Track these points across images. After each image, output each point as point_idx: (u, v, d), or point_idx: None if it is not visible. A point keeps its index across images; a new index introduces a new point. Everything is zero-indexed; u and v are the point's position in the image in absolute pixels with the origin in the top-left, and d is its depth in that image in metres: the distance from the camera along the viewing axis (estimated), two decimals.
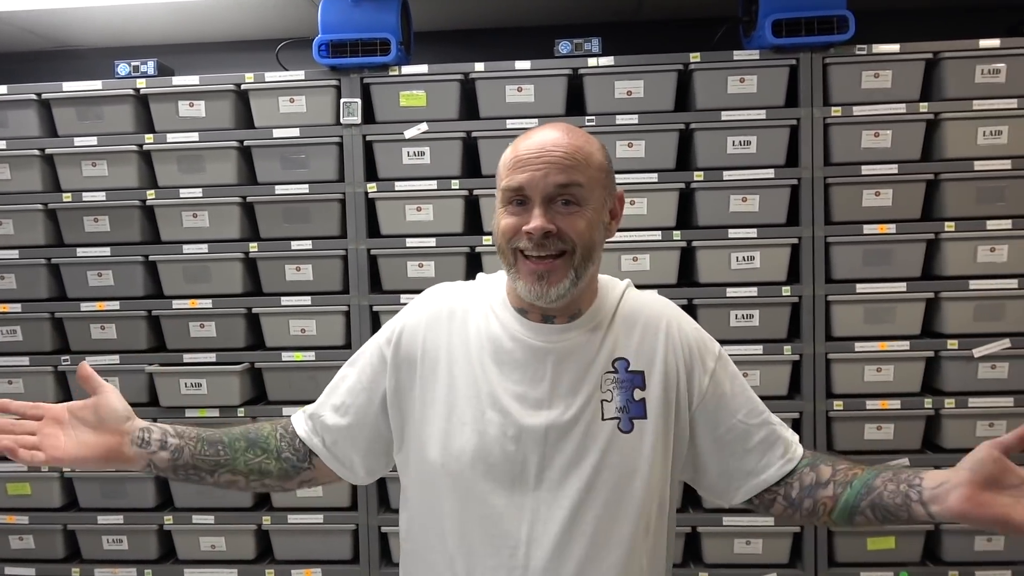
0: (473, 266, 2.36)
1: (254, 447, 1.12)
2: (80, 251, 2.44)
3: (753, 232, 2.30)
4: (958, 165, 2.27)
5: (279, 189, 2.39)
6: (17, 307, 2.47)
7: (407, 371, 1.10)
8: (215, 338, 2.44)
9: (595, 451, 1.04)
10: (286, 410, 2.40)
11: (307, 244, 2.39)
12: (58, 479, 2.48)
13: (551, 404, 1.05)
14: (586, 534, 1.03)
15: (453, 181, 2.34)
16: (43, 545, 2.51)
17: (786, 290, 2.31)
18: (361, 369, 1.14)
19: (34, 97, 2.43)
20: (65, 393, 2.50)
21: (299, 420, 1.16)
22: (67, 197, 2.43)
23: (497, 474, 1.05)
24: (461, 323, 1.11)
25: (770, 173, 2.29)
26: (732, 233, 2.31)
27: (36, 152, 2.43)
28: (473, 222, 2.41)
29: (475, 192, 2.34)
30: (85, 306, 2.44)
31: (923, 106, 2.26)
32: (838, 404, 2.31)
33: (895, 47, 2.25)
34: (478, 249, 2.34)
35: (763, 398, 2.24)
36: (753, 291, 2.31)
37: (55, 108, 2.44)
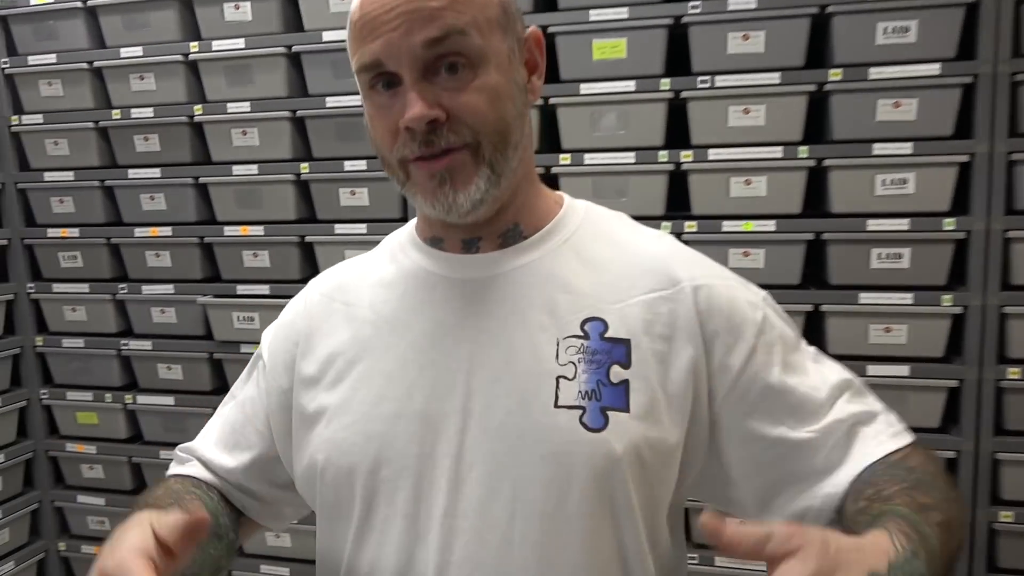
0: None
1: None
2: (132, 172, 2.28)
3: (907, 147, 1.77)
4: None
5: (330, 101, 2.10)
6: (76, 232, 2.36)
7: (289, 374, 0.82)
8: (269, 268, 2.23)
9: (536, 457, 0.68)
10: None
11: (362, 165, 2.10)
12: (122, 410, 2.41)
13: (471, 378, 0.71)
14: None
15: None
16: (112, 475, 2.47)
17: (949, 223, 1.78)
18: (241, 394, 0.89)
19: (80, 4, 2.25)
20: (125, 321, 2.40)
21: None
22: (116, 114, 2.27)
23: (384, 487, 0.73)
24: (353, 296, 0.80)
25: (935, 68, 1.74)
26: (879, 149, 1.79)
27: (85, 65, 2.27)
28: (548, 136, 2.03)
29: (551, 101, 1.96)
30: (139, 231, 2.30)
31: None
32: (1013, 371, 1.78)
33: None
34: (554, 170, 1.97)
35: (911, 361, 1.81)
36: (904, 224, 1.80)
37: (101, 17, 2.25)
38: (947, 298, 1.80)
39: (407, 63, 0.66)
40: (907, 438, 0.72)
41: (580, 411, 0.68)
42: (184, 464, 0.87)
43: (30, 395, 2.47)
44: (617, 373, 0.69)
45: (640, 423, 0.69)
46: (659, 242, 0.78)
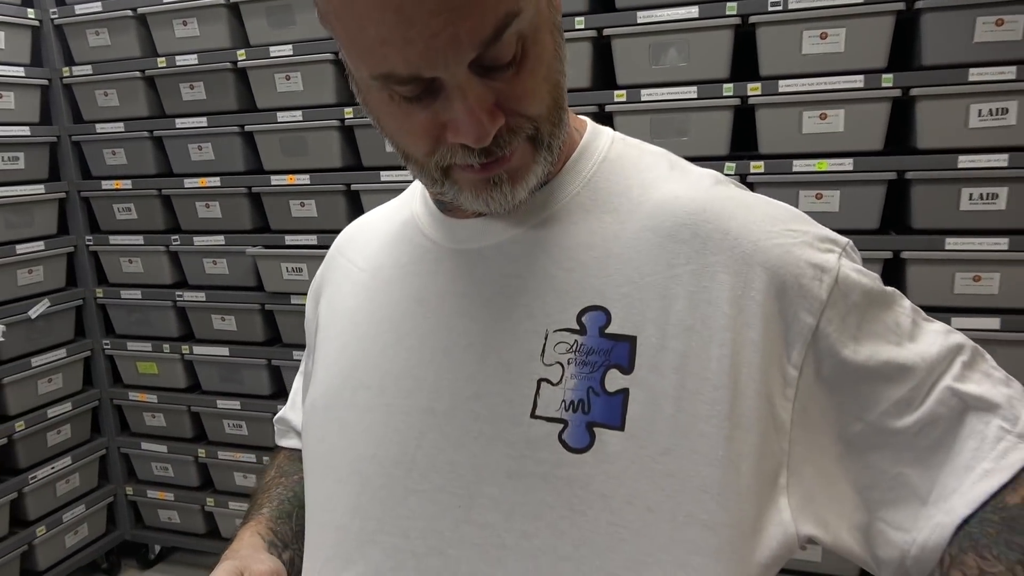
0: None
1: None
2: (179, 122, 2.26)
3: (1010, 72, 1.57)
4: None
5: None
6: (128, 184, 2.37)
7: (311, 338, 0.75)
8: (316, 218, 2.19)
9: (501, 475, 0.55)
10: None
11: None
12: (179, 360, 2.44)
13: (441, 374, 0.58)
14: None
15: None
16: (173, 424, 2.52)
17: None
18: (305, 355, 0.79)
19: None
20: (179, 273, 2.41)
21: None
22: (162, 62, 2.23)
23: (325, 487, 0.63)
24: (359, 254, 0.70)
25: None
26: (975, 74, 1.59)
27: (130, 13, 2.23)
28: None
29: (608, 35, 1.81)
30: (188, 182, 2.28)
31: None
32: None
33: None
34: (608, 108, 1.84)
35: (1003, 312, 1.64)
36: (1002, 159, 1.60)
37: None
38: None
39: (453, 68, 0.48)
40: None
41: (561, 425, 0.53)
42: (286, 437, 0.82)
43: (93, 345, 2.53)
44: (615, 379, 0.54)
45: (638, 445, 0.52)
46: (700, 189, 0.59)
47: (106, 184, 2.39)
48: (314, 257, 2.16)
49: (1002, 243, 1.64)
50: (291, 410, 0.81)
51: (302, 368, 0.81)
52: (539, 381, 0.55)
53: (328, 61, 2.07)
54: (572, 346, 0.55)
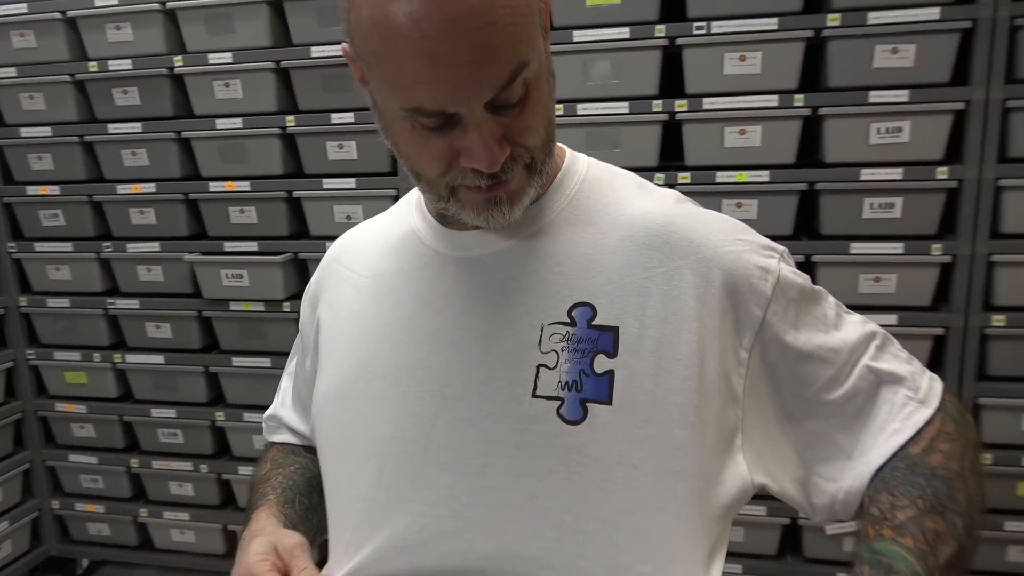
0: None
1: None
2: (112, 127, 2.22)
3: (903, 95, 1.76)
4: None
5: (315, 51, 2.04)
6: (56, 189, 2.31)
7: (312, 341, 0.82)
8: (256, 224, 2.20)
9: (510, 446, 0.64)
10: None
11: (349, 117, 2.06)
12: (111, 369, 2.39)
13: (451, 363, 0.68)
14: None
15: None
16: (104, 434, 2.46)
17: (942, 172, 1.78)
18: (295, 356, 0.88)
19: None
20: (111, 280, 2.36)
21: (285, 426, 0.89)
22: (93, 66, 2.19)
23: (349, 467, 0.71)
24: (356, 262, 0.79)
25: (934, 12, 1.72)
26: (874, 96, 1.78)
27: (58, 15, 2.18)
28: None
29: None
30: (121, 188, 2.25)
31: None
32: (998, 319, 1.81)
33: None
34: None
35: (899, 310, 1.82)
36: (897, 172, 1.79)
37: None
38: (937, 247, 1.81)
39: (474, 106, 0.58)
40: (933, 404, 0.68)
41: (559, 402, 0.64)
42: (276, 433, 0.89)
43: (16, 356, 2.44)
44: (602, 363, 0.64)
45: (623, 416, 0.63)
46: (665, 206, 0.70)
47: (32, 189, 2.32)
48: (255, 264, 2.17)
49: (898, 247, 1.83)
50: (282, 408, 0.87)
51: (290, 368, 0.87)
52: (538, 367, 0.65)
53: (269, 70, 2.08)
54: (564, 336, 0.65)
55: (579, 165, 0.74)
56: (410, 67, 0.56)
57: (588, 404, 0.64)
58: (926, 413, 0.68)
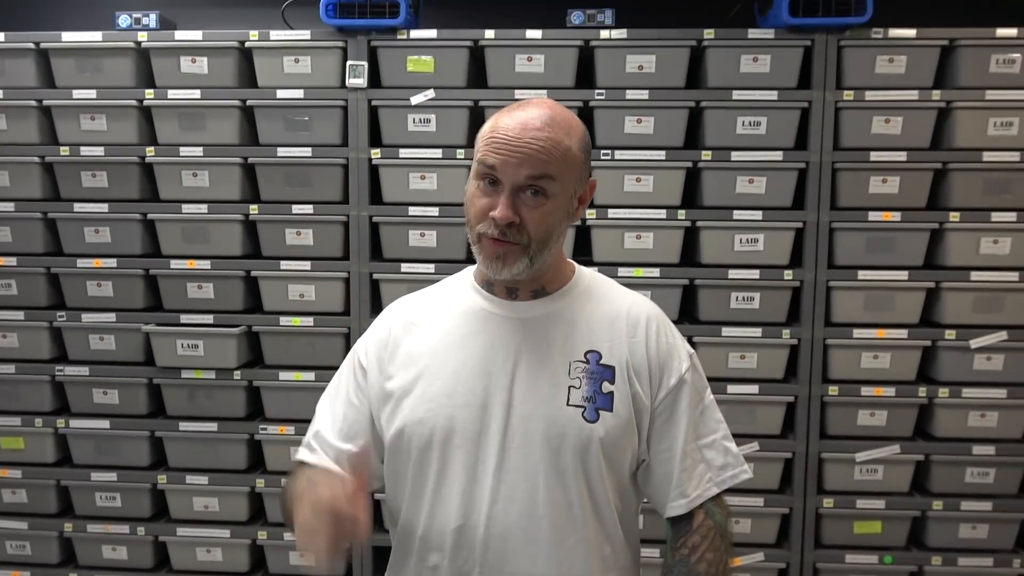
0: None
1: None
2: (77, 206, 2.41)
3: (758, 214, 2.29)
4: (967, 155, 2.26)
5: (281, 151, 2.35)
6: (12, 260, 2.44)
7: (383, 375, 1.14)
8: (213, 300, 2.42)
9: (553, 434, 1.05)
10: (282, 375, 2.39)
11: (308, 208, 2.36)
12: (52, 434, 2.48)
13: (513, 382, 1.07)
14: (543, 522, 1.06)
15: (459, 150, 2.31)
16: (36, 500, 2.51)
17: (788, 274, 2.31)
18: (343, 399, 1.17)
19: (32, 46, 2.37)
20: (60, 348, 2.49)
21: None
22: (64, 151, 2.39)
23: (454, 451, 1.08)
24: (427, 320, 1.15)
25: (779, 155, 2.27)
26: (737, 215, 2.29)
27: (33, 103, 2.38)
28: None
29: None
30: (81, 262, 2.42)
31: (936, 94, 2.24)
32: (833, 389, 2.32)
33: (911, 32, 2.22)
34: None
35: (759, 381, 2.32)
36: (755, 274, 2.30)
37: (53, 58, 2.38)
38: (786, 332, 2.32)
39: (510, 181, 1.02)
40: (718, 487, 1.13)
41: (582, 409, 1.07)
42: (315, 453, 1.14)
43: None
44: (606, 387, 1.08)
45: (617, 419, 1.08)
46: (635, 302, 1.16)
47: None
48: (211, 335, 2.38)
49: (758, 332, 2.32)
50: (330, 434, 1.15)
51: (345, 399, 1.16)
52: (568, 387, 1.08)
53: (236, 164, 2.37)
54: (583, 370, 1.09)
55: (586, 272, 1.20)
56: (490, 142, 1.04)
57: (600, 411, 1.07)
58: (722, 485, 1.15)
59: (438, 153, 2.31)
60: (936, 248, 2.31)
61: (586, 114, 2.30)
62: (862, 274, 2.29)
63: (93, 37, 2.35)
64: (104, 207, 2.40)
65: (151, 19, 2.36)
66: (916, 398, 2.32)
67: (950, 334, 2.29)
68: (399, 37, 2.30)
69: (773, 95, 2.25)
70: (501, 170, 1.01)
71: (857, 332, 2.30)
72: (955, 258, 2.29)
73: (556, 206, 1.04)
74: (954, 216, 2.26)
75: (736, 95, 2.26)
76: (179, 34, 2.35)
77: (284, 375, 2.40)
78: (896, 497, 2.34)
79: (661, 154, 2.29)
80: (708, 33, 2.25)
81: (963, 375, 2.31)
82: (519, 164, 1.01)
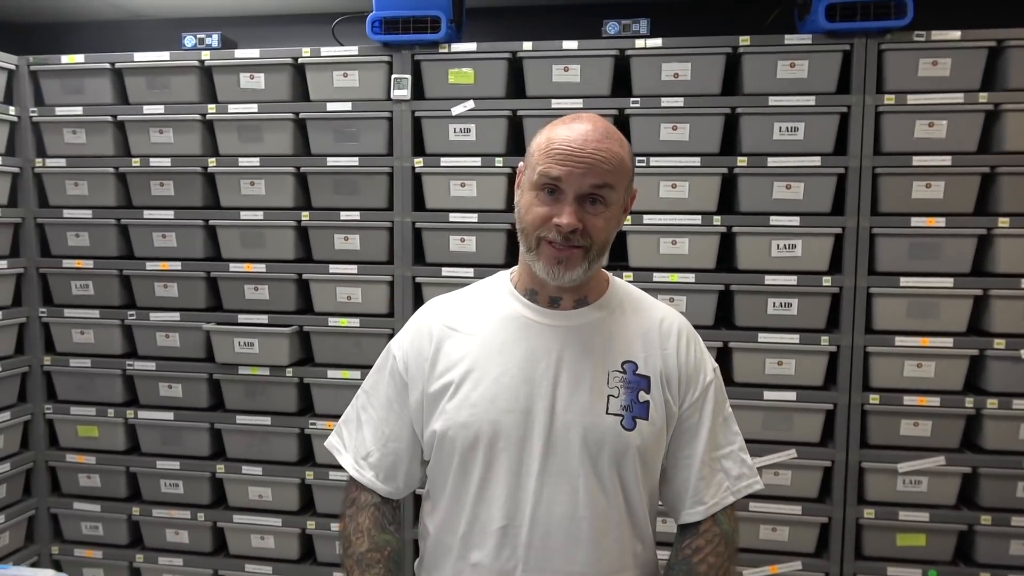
0: (514, 242, 2.40)
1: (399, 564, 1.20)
2: (147, 214, 2.60)
3: (796, 220, 2.28)
4: (1017, 159, 2.19)
5: (331, 161, 2.48)
6: (90, 263, 2.65)
7: (422, 378, 1.18)
8: (268, 301, 2.57)
9: (592, 440, 1.10)
10: (331, 373, 2.52)
11: (355, 215, 2.48)
12: (122, 424, 2.68)
13: (555, 389, 1.11)
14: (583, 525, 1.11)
15: (497, 159, 2.38)
16: (108, 484, 2.72)
17: (827, 280, 2.28)
18: (383, 402, 1.22)
19: (108, 66, 2.57)
20: (130, 344, 2.68)
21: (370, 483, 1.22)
22: (136, 162, 2.59)
23: (499, 454, 1.12)
24: (466, 325, 1.18)
25: (816, 161, 2.26)
26: (774, 220, 2.29)
27: (109, 118, 2.59)
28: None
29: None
30: (150, 265, 2.60)
31: (983, 96, 2.18)
32: (874, 398, 2.28)
33: (956, 34, 2.18)
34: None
35: (797, 388, 2.31)
36: (793, 280, 2.29)
37: (127, 77, 2.58)
38: (825, 339, 2.29)
39: (575, 190, 1.06)
40: (734, 496, 1.18)
41: (620, 417, 1.12)
42: (365, 470, 1.21)
43: (34, 409, 2.71)
44: (643, 396, 1.13)
45: (652, 427, 1.13)
46: (666, 315, 1.21)
47: (67, 262, 2.65)
48: (265, 334, 2.53)
49: (795, 338, 2.30)
50: (373, 445, 1.21)
51: (384, 404, 1.21)
52: (608, 396, 1.12)
53: (290, 173, 2.51)
54: (620, 379, 1.13)
55: (620, 282, 1.24)
56: (548, 153, 1.08)
57: (637, 419, 1.12)
58: (731, 498, 1.19)
59: (477, 161, 2.39)
60: (984, 254, 2.25)
61: (622, 122, 2.34)
62: (904, 281, 2.25)
63: (161, 57, 2.53)
64: (170, 214, 2.58)
65: (214, 39, 2.53)
66: (963, 408, 2.25)
67: (999, 343, 2.22)
68: (441, 51, 2.40)
69: (811, 100, 2.24)
70: (566, 180, 1.06)
71: (899, 340, 2.26)
72: (1005, 265, 2.22)
73: (613, 213, 1.09)
74: (1003, 221, 2.20)
75: (772, 101, 2.26)
76: (239, 52, 2.51)
77: (332, 373, 2.52)
78: (942, 510, 2.29)
79: (696, 160, 2.31)
80: (744, 40, 2.26)
81: (1014, 385, 2.24)
82: (584, 174, 1.05)
